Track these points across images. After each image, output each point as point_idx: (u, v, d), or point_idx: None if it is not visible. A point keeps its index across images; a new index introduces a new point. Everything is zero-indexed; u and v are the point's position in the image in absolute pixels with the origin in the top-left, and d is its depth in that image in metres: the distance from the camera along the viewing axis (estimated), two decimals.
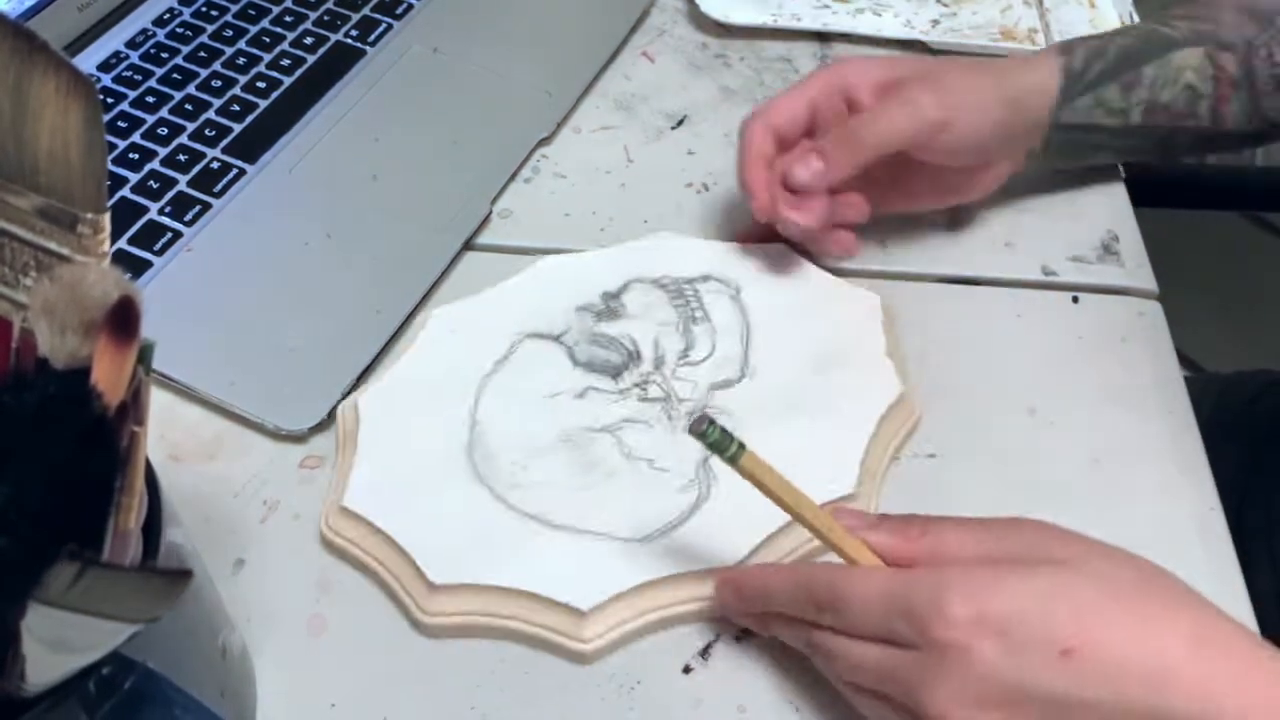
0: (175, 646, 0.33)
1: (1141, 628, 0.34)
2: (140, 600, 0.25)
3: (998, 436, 0.49)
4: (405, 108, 0.63)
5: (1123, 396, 0.51)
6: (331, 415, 0.49)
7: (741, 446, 0.38)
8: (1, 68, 0.28)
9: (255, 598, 0.44)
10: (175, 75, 0.63)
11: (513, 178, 0.60)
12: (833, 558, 0.39)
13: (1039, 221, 0.59)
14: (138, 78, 0.63)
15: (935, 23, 0.70)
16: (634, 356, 0.50)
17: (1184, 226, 0.98)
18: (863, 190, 0.52)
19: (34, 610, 0.24)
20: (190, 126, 0.60)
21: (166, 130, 0.60)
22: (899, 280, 0.56)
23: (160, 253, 0.55)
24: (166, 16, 0.67)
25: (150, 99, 0.62)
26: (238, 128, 0.61)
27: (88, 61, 0.63)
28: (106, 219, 0.29)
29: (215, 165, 0.59)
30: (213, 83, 0.63)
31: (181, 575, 0.26)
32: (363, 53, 0.66)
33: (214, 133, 0.60)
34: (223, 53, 0.65)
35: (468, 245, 0.57)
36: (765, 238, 0.54)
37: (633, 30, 0.69)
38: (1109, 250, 0.58)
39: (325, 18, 0.67)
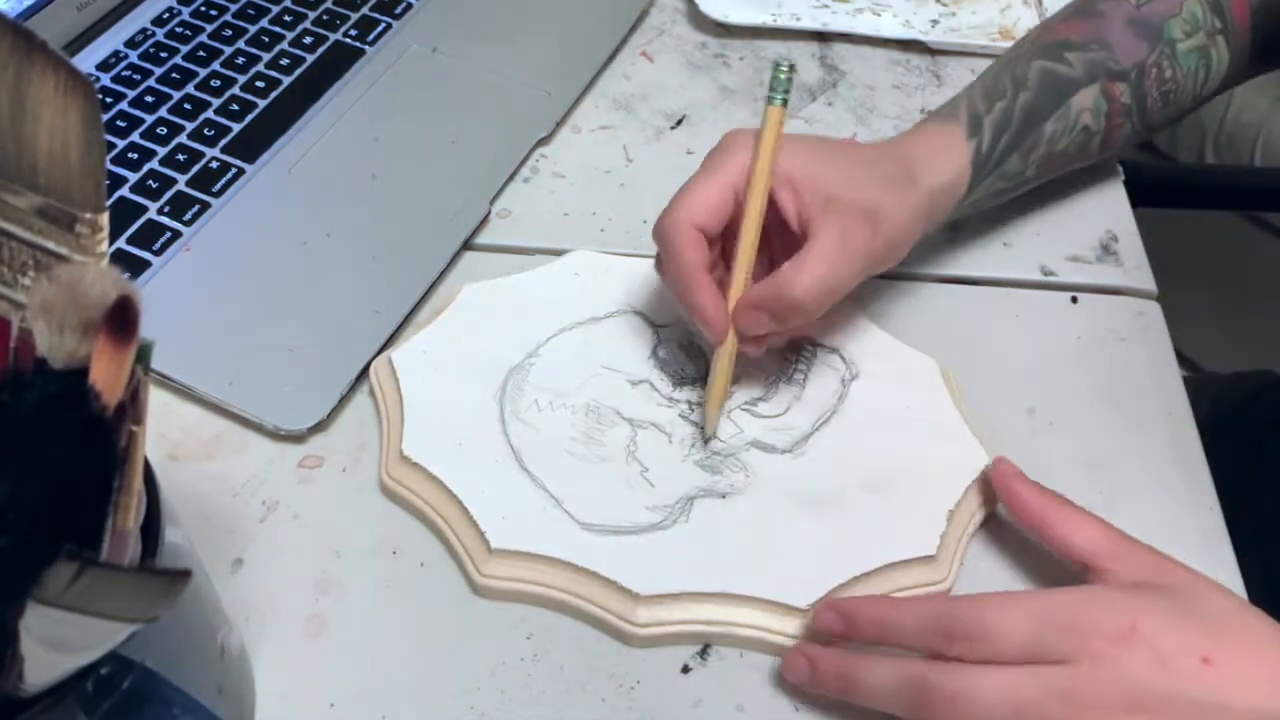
0: (174, 646, 0.33)
1: (1265, 635, 0.38)
2: (139, 600, 0.25)
3: (996, 436, 0.49)
4: (404, 107, 0.63)
5: (1121, 397, 0.51)
6: (332, 415, 0.49)
7: (785, 103, 0.45)
8: (1, 67, 0.28)
9: (254, 597, 0.44)
10: (174, 75, 0.63)
11: (512, 178, 0.60)
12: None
13: (1038, 221, 0.59)
14: (137, 77, 0.63)
15: (934, 23, 0.70)
16: (705, 378, 0.49)
17: (1183, 226, 0.98)
18: (768, 265, 0.47)
19: (32, 610, 0.23)
20: (189, 126, 0.60)
21: (165, 130, 0.60)
22: (898, 280, 0.56)
23: (159, 252, 0.55)
24: (166, 16, 0.67)
25: (149, 98, 0.62)
26: (237, 127, 0.61)
27: (87, 61, 0.63)
28: (105, 218, 0.29)
29: (214, 165, 0.59)
30: (212, 82, 0.63)
31: (180, 575, 0.26)
32: (362, 52, 0.66)
33: (213, 132, 0.60)
34: (222, 52, 0.65)
35: (467, 245, 0.57)
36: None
37: (632, 30, 0.69)
38: (1108, 250, 0.58)
39: (324, 17, 0.67)
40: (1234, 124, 1.29)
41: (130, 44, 0.65)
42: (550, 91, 0.64)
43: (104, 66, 0.63)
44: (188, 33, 0.66)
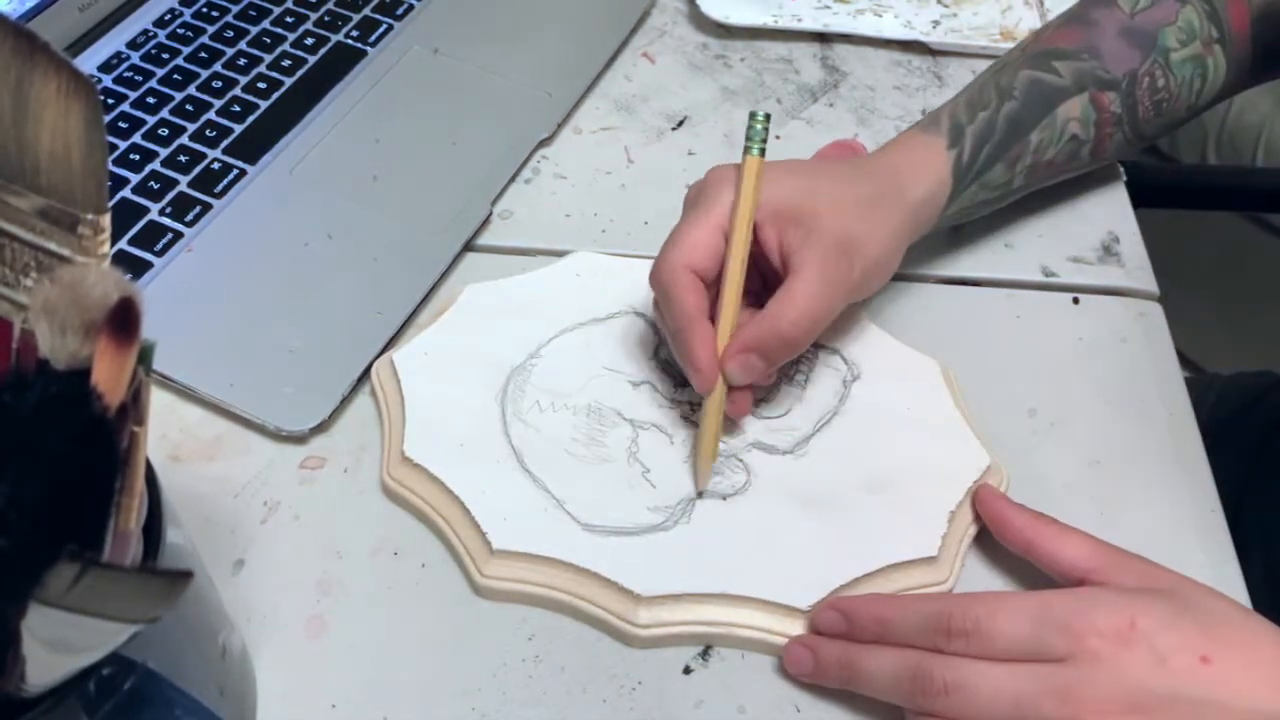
0: (175, 647, 0.33)
1: (1263, 635, 0.38)
2: (140, 601, 0.25)
3: (998, 437, 0.49)
4: (406, 108, 0.63)
5: (1123, 397, 0.51)
6: (333, 416, 0.49)
7: (762, 153, 0.46)
8: (3, 68, 0.28)
9: (255, 598, 0.44)
10: (176, 76, 0.63)
11: (513, 179, 0.60)
12: None
13: (1039, 222, 0.59)
14: (139, 78, 0.63)
15: (935, 23, 0.70)
16: None
17: (1184, 227, 0.98)
18: (757, 298, 0.48)
19: (34, 610, 0.24)
20: (191, 127, 0.60)
21: (167, 131, 0.60)
22: (899, 281, 0.55)
23: (161, 253, 0.55)
24: (167, 17, 0.67)
25: (151, 100, 0.62)
26: (238, 128, 0.61)
27: (89, 62, 0.63)
28: (107, 220, 0.29)
29: (216, 166, 0.59)
30: (213, 83, 0.63)
31: (182, 576, 0.26)
32: (363, 53, 0.66)
33: (215, 133, 0.60)
34: (223, 53, 0.65)
35: (468, 246, 0.57)
36: None
37: (633, 31, 0.69)
38: (1109, 251, 0.58)
39: (326, 18, 0.67)
40: (1236, 125, 1.29)
41: (132, 45, 0.65)
42: (551, 92, 0.64)
43: (106, 68, 0.63)
44: (189, 34, 0.66)
